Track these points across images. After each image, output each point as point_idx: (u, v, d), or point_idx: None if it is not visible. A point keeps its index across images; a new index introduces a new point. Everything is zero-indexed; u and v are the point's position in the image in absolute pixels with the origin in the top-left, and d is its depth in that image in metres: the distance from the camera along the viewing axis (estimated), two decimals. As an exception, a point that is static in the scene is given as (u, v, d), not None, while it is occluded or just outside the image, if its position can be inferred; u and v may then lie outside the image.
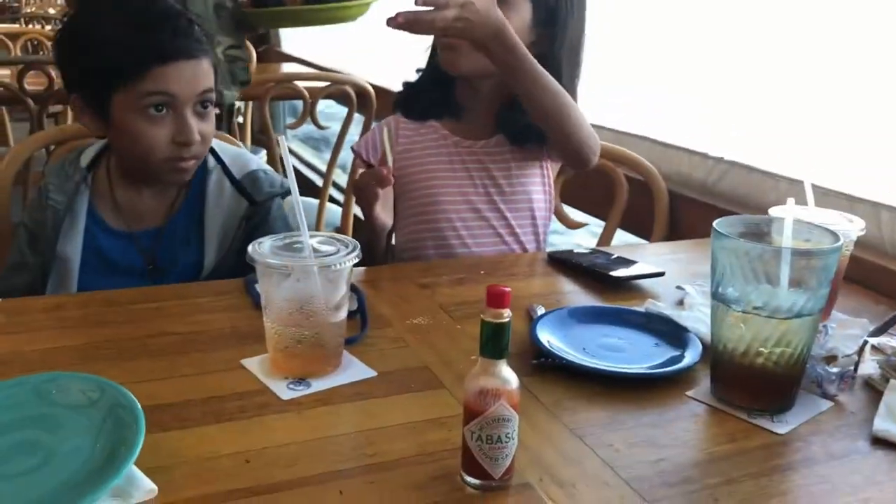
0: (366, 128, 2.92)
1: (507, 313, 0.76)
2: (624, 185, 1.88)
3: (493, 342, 0.76)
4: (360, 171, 1.45)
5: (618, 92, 2.34)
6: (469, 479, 0.79)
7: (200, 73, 1.31)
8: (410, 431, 0.89)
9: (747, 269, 0.92)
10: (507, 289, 0.76)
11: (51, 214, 1.38)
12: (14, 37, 4.64)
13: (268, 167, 1.50)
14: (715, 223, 0.96)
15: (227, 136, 1.63)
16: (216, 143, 1.46)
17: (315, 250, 0.97)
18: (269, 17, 2.63)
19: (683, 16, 2.21)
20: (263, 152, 3.31)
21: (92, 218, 1.41)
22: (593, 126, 1.57)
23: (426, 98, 1.63)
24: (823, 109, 1.82)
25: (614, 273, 1.36)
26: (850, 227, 1.19)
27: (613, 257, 1.44)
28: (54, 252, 1.37)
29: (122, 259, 1.40)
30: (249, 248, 0.97)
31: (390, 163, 1.38)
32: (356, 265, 0.98)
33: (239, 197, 1.43)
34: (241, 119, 4.08)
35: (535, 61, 1.36)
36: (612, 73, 2.31)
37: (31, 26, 6.27)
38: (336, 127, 3.07)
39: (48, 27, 5.17)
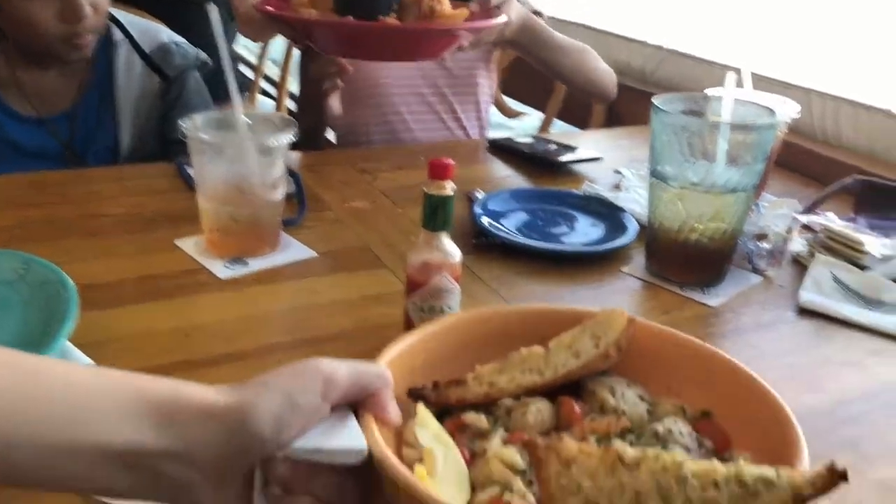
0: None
1: (449, 186, 0.75)
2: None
3: (436, 215, 0.76)
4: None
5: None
6: (411, 349, 0.80)
7: None
8: (351, 307, 0.89)
9: (685, 144, 0.92)
10: (450, 161, 0.75)
11: None
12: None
13: (180, 39, 1.41)
14: (654, 99, 0.96)
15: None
16: (123, 15, 1.36)
17: (250, 127, 0.94)
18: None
19: None
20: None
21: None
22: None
23: None
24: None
25: (553, 158, 1.36)
26: (785, 110, 1.20)
27: (552, 144, 1.44)
28: None
29: (36, 145, 1.32)
30: (181, 123, 0.93)
31: None
32: (294, 147, 0.96)
33: (150, 72, 1.35)
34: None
35: (554, 32, 1.38)
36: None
37: None
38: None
39: None
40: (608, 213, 1.14)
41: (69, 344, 0.75)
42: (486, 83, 1.62)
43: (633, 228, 1.08)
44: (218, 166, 0.94)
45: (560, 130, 1.95)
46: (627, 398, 0.63)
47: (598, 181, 1.29)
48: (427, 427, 0.56)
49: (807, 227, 1.11)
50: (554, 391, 0.62)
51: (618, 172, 1.32)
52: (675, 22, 1.95)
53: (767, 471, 0.46)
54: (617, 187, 1.26)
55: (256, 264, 0.96)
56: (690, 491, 0.46)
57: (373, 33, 1.13)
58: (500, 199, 1.15)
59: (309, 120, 1.39)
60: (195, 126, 0.93)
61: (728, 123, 0.91)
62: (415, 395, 0.61)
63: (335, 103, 1.39)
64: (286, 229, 1.04)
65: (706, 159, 0.92)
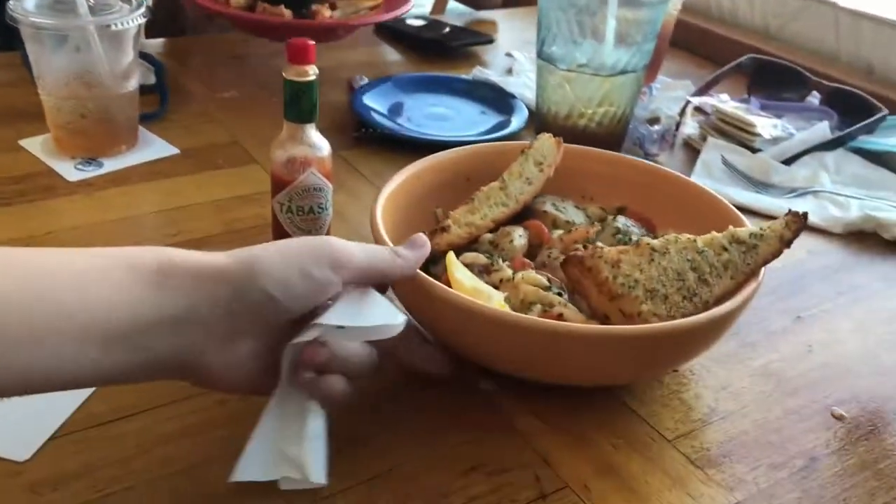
0: None
1: (312, 70, 0.68)
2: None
3: (298, 103, 0.68)
4: None
5: None
6: (281, 253, 0.74)
7: None
8: (217, 209, 0.82)
9: (573, 23, 0.87)
10: (311, 42, 0.67)
11: None
12: None
13: None
14: (541, -25, 0.89)
15: None
16: None
17: (91, 9, 0.83)
18: None
19: None
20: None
21: None
22: None
23: None
24: None
25: (442, 41, 1.28)
26: (679, -14, 1.15)
27: (444, 27, 1.35)
28: None
29: None
30: (10, 4, 0.81)
31: None
32: (152, 34, 0.85)
33: None
34: None
35: None
36: None
37: None
38: None
39: None
40: (498, 99, 1.08)
41: None
42: None
43: (522, 115, 1.03)
44: (58, 55, 0.83)
45: (455, 12, 1.86)
46: (569, 211, 0.73)
47: (489, 65, 1.22)
48: (461, 269, 0.60)
49: (699, 110, 1.08)
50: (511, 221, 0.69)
51: (509, 56, 1.26)
52: None
53: (753, 228, 0.61)
54: (508, 72, 1.20)
55: (111, 164, 0.87)
56: (711, 258, 0.58)
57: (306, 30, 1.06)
58: (384, 87, 1.08)
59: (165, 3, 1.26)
60: (25, 9, 0.81)
61: (617, -1, 0.86)
62: None
63: None
64: (145, 124, 0.94)
65: (595, 39, 0.87)
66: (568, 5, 0.86)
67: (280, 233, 0.73)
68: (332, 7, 1.10)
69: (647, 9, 0.87)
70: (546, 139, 0.73)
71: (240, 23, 1.10)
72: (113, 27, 0.81)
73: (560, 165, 0.72)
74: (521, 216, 0.71)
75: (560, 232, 0.69)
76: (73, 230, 0.76)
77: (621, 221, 0.70)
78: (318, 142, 0.70)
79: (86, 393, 0.56)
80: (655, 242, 0.58)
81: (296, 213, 0.71)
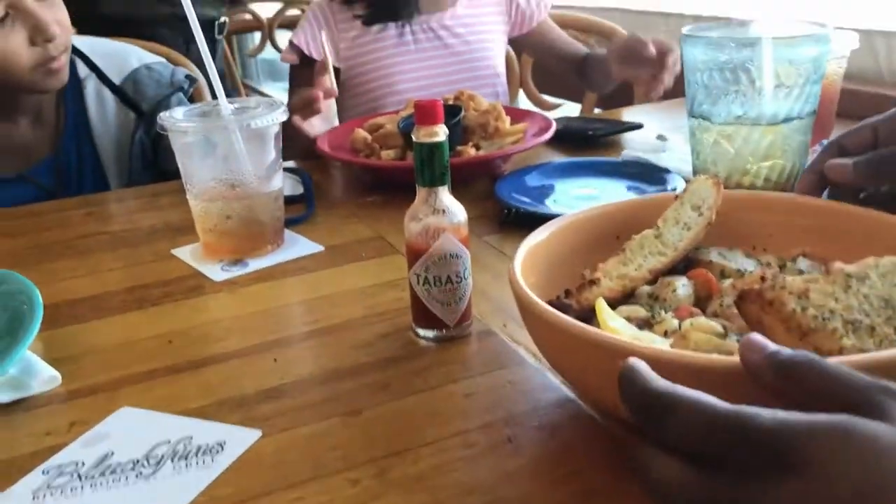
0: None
1: (441, 130, 0.65)
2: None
3: (430, 165, 0.65)
4: (300, 91, 1.19)
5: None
6: (421, 330, 0.69)
7: None
8: (358, 296, 0.78)
9: (724, 73, 0.80)
10: (438, 100, 0.65)
11: None
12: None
13: (154, 58, 1.28)
14: (684, 29, 0.84)
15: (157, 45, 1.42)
16: (86, 43, 1.25)
17: (235, 112, 0.85)
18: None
19: None
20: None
21: None
22: (566, 7, 1.48)
23: None
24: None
25: (588, 129, 1.24)
26: (842, 42, 1.06)
27: (590, 119, 1.32)
28: None
29: (22, 202, 1.17)
30: (160, 116, 0.85)
31: (331, 66, 1.20)
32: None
33: (125, 108, 1.23)
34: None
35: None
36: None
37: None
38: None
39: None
40: (650, 175, 1.01)
41: (34, 356, 0.67)
42: (504, 72, 1.53)
43: (679, 186, 0.95)
44: (204, 161, 0.85)
45: (601, 118, 1.83)
46: (738, 259, 0.64)
47: (638, 148, 1.16)
48: (617, 318, 0.55)
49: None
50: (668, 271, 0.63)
51: (661, 138, 1.20)
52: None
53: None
54: (660, 151, 1.13)
55: (256, 264, 0.86)
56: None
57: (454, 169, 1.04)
58: (529, 175, 1.04)
59: (301, 143, 1.22)
60: (173, 118, 0.85)
61: (770, 38, 0.78)
62: (555, 307, 0.52)
63: (315, 125, 1.20)
64: (292, 228, 0.94)
65: (750, 87, 0.80)
66: (716, 54, 0.80)
67: (419, 308, 0.68)
68: (477, 147, 1.09)
69: (806, 46, 0.79)
70: (703, 180, 0.66)
71: (388, 172, 1.09)
72: (253, 125, 0.83)
73: (723, 215, 0.65)
74: (681, 268, 0.63)
75: (731, 280, 0.60)
76: (214, 324, 0.75)
77: (803, 263, 0.60)
78: (452, 206, 0.66)
79: (211, 476, 0.52)
80: (851, 268, 0.50)
81: (433, 283, 0.66)
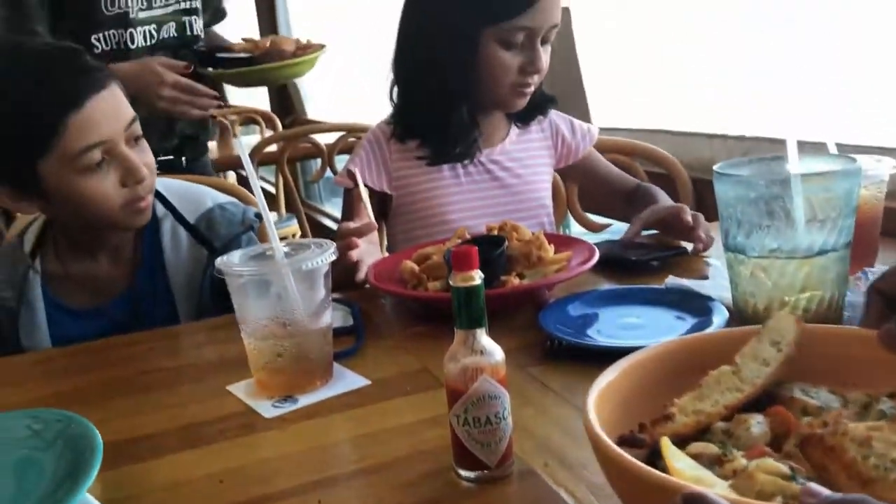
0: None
1: (477, 275, 0.68)
2: (644, 179, 1.78)
3: (467, 309, 0.68)
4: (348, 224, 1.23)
5: (626, 92, 2.27)
6: (462, 472, 0.70)
7: (119, 103, 1.16)
8: (403, 433, 0.80)
9: (758, 207, 0.82)
10: (474, 248, 0.68)
11: (4, 314, 1.25)
12: None
13: (228, 199, 1.36)
14: (716, 167, 0.87)
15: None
16: (163, 184, 1.32)
17: (287, 255, 0.90)
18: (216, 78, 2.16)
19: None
20: (294, 222, 3.28)
21: (52, 305, 1.26)
22: (609, 129, 1.52)
23: (431, 118, 1.46)
24: (840, 71, 1.72)
25: (631, 255, 1.26)
26: (879, 167, 1.07)
27: (634, 244, 1.34)
28: (20, 348, 1.24)
29: (96, 335, 1.22)
30: (217, 260, 0.90)
31: (367, 199, 1.26)
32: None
33: (198, 245, 1.29)
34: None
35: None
36: (618, 74, 2.25)
37: None
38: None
39: None
40: (694, 303, 1.02)
41: (90, 498, 0.69)
42: (551, 204, 1.58)
43: (723, 315, 0.96)
44: (258, 300, 0.90)
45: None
46: (822, 396, 0.63)
47: (683, 274, 1.17)
48: (682, 458, 0.55)
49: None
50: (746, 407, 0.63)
51: (705, 263, 1.21)
52: (753, 108, 1.86)
53: None
54: (704, 277, 1.14)
55: (306, 399, 0.89)
56: None
57: (499, 298, 1.07)
58: (571, 304, 1.06)
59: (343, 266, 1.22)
60: (229, 262, 0.90)
61: (800, 174, 0.80)
62: (627, 442, 0.55)
63: (367, 260, 1.23)
64: (340, 361, 0.97)
65: (784, 221, 0.81)
66: (749, 190, 0.82)
67: (460, 449, 0.70)
68: (521, 277, 1.12)
69: (837, 182, 0.80)
70: (783, 316, 0.66)
71: (435, 302, 1.11)
72: (304, 267, 0.87)
73: (807, 350, 0.65)
74: (760, 403, 0.63)
75: (810, 418, 0.60)
76: (263, 462, 0.77)
77: (887, 404, 0.60)
78: (489, 347, 0.69)
79: None
80: None
81: (472, 424, 0.68)
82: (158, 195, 1.29)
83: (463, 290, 0.67)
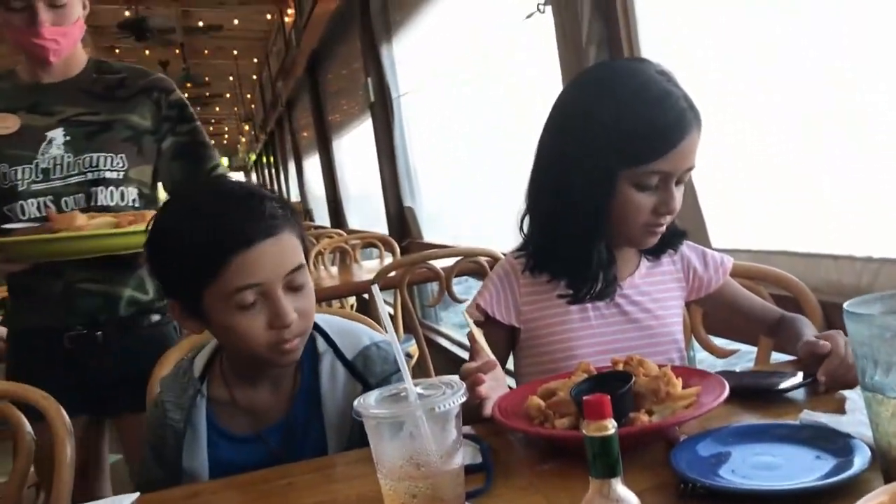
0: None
1: (611, 424, 0.70)
2: (771, 304, 1.74)
3: (603, 458, 0.70)
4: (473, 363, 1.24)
5: (743, 211, 2.25)
6: None
7: (285, 250, 1.25)
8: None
9: (894, 344, 0.80)
10: (606, 396, 0.70)
11: (171, 433, 1.35)
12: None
13: (383, 337, 1.42)
14: (846, 305, 0.86)
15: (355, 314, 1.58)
16: (325, 321, 1.41)
17: (420, 395, 0.94)
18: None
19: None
20: (412, 342, 3.35)
21: (214, 429, 1.36)
22: (728, 251, 1.53)
23: (569, 256, 1.47)
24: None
25: (763, 386, 1.23)
26: None
27: (762, 372, 1.31)
28: (181, 468, 1.34)
29: (248, 460, 1.32)
30: (355, 403, 0.95)
31: (482, 338, 1.27)
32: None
33: (354, 381, 1.36)
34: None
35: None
36: (733, 191, 2.24)
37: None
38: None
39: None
40: (832, 441, 0.99)
41: None
42: (682, 337, 1.57)
43: (864, 456, 0.93)
44: (392, 442, 0.93)
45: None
46: None
47: (818, 407, 1.14)
48: None
49: None
50: None
51: (840, 395, 1.17)
52: (881, 228, 1.81)
53: None
54: (841, 411, 1.11)
55: (439, 541, 0.91)
56: None
57: (628, 437, 1.06)
58: (703, 442, 1.04)
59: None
60: (366, 404, 0.94)
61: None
62: None
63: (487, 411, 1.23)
64: (471, 501, 0.99)
65: (925, 360, 0.80)
66: (884, 330, 0.81)
67: None
68: (649, 413, 1.13)
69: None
70: None
71: (562, 440, 1.12)
72: (438, 409, 0.91)
73: None
74: None
75: None
76: None
77: None
78: (625, 497, 0.70)
79: None
80: None
81: (611, 576, 0.68)
82: (320, 330, 1.38)
83: (597, 440, 0.69)
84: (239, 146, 20.29)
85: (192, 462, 1.34)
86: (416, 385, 0.96)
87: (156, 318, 2.02)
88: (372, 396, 0.97)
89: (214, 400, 1.38)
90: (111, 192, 1.94)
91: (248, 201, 1.25)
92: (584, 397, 0.70)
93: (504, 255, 1.65)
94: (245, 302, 1.22)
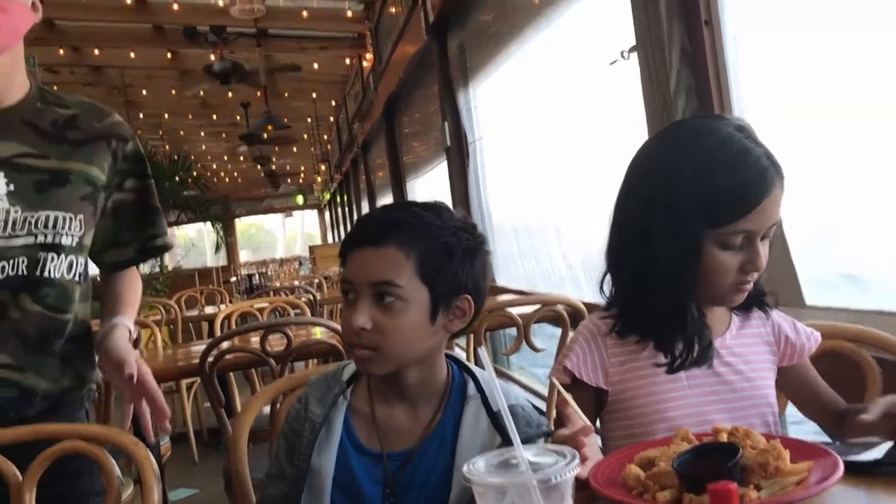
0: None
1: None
2: (875, 368, 1.68)
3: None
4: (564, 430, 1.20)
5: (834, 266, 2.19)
6: None
7: (374, 261, 1.31)
8: None
9: None
10: (732, 485, 0.68)
11: (308, 426, 1.38)
12: (260, 309, 5.10)
13: (527, 403, 1.42)
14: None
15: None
16: (480, 372, 1.41)
17: (531, 463, 0.93)
18: None
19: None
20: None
21: (347, 434, 1.39)
22: (829, 309, 1.48)
23: (659, 319, 1.45)
24: None
25: (875, 460, 1.18)
26: None
27: (856, 444, 1.26)
28: (309, 464, 1.36)
29: (368, 479, 1.36)
30: (464, 467, 0.95)
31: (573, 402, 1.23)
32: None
33: (494, 432, 1.35)
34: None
35: None
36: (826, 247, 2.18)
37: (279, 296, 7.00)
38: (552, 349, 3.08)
39: (292, 296, 5.76)
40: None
41: None
42: (775, 400, 1.53)
43: None
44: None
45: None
46: None
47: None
48: None
49: None
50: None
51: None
52: None
53: None
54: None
55: None
56: None
57: None
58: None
59: None
60: (476, 469, 0.94)
61: None
62: None
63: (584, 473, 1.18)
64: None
65: None
66: None
67: None
68: (758, 489, 1.09)
69: None
70: None
71: None
72: (553, 481, 0.90)
73: None
74: None
75: None
76: None
77: None
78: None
79: None
80: None
81: None
82: (474, 377, 1.40)
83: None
84: (314, 185, 20.73)
85: (321, 459, 1.37)
86: (524, 449, 0.95)
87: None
88: (480, 461, 0.97)
89: (353, 408, 1.41)
90: (60, 262, 1.56)
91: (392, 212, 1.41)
92: (710, 486, 0.69)
93: (587, 313, 1.64)
94: (345, 295, 1.34)
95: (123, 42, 9.44)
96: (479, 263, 1.38)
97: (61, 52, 9.38)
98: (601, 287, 1.55)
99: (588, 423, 1.20)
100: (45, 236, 1.53)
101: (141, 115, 12.06)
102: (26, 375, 1.56)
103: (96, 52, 9.68)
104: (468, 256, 1.36)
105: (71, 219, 1.57)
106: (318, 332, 3.62)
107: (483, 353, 1.07)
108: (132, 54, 9.81)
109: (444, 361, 1.42)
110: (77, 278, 1.62)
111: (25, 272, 1.52)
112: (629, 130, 2.87)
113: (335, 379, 1.44)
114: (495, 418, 1.36)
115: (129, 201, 1.73)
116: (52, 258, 1.55)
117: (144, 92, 11.48)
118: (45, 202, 1.53)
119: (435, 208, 1.39)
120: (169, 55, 10.08)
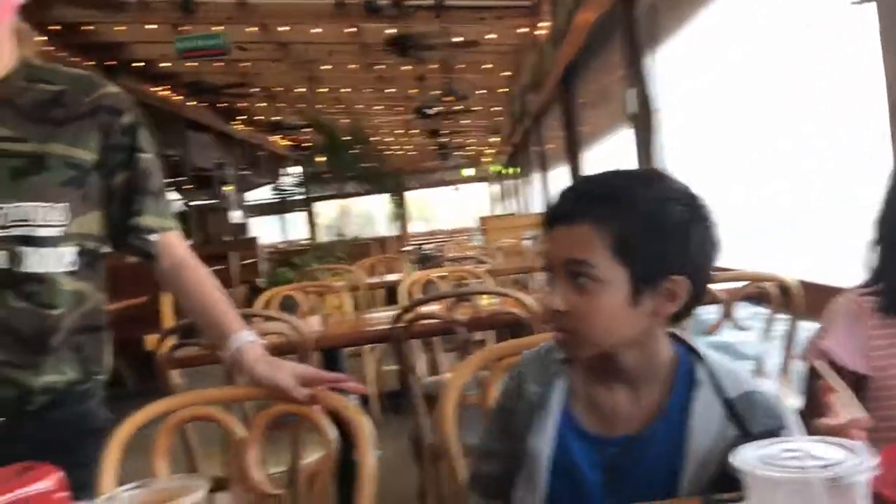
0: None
1: None
2: None
3: None
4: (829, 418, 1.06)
5: None
6: None
7: (567, 240, 1.21)
8: None
9: None
10: None
11: (524, 405, 1.31)
12: (441, 278, 5.12)
13: (766, 389, 1.25)
14: None
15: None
16: (710, 355, 1.26)
17: (814, 457, 0.80)
18: None
19: None
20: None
21: (566, 416, 1.28)
22: None
23: None
24: None
25: None
26: None
27: None
28: (524, 445, 1.28)
29: (587, 463, 1.25)
30: (731, 457, 0.83)
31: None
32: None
33: (727, 421, 1.20)
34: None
35: None
36: None
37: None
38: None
39: (468, 266, 5.76)
40: None
41: None
42: None
43: None
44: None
45: None
46: None
47: None
48: None
49: None
50: None
51: None
52: None
53: None
54: None
55: None
56: None
57: None
58: None
59: None
60: (747, 459, 0.82)
61: None
62: None
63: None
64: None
65: None
66: None
67: None
68: None
69: None
70: None
71: None
72: (845, 480, 0.77)
73: None
74: None
75: None
76: None
77: None
78: None
79: None
80: None
81: None
82: (700, 360, 1.26)
83: None
84: (483, 157, 20.84)
85: (537, 439, 1.27)
86: (806, 441, 0.82)
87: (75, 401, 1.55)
88: (749, 451, 0.84)
89: (572, 389, 1.30)
90: (42, 255, 1.43)
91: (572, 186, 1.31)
92: None
93: (845, 290, 1.44)
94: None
95: (307, 19, 9.78)
96: (697, 239, 1.19)
97: (251, 29, 9.85)
98: (867, 260, 1.37)
99: (865, 414, 1.04)
100: (19, 229, 1.40)
101: (322, 90, 12.49)
102: (21, 372, 1.46)
103: (282, 29, 10.09)
104: (679, 232, 1.18)
105: (49, 209, 1.42)
106: (489, 302, 3.54)
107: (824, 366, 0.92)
108: (317, 30, 10.15)
109: (667, 343, 1.29)
110: (70, 268, 1.48)
111: (5, 265, 1.40)
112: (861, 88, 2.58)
113: (551, 355, 1.33)
114: (730, 406, 1.20)
115: (135, 177, 1.55)
116: (31, 253, 1.42)
117: (328, 67, 11.87)
118: (17, 192, 1.40)
119: (643, 177, 1.25)
120: (350, 30, 10.35)
